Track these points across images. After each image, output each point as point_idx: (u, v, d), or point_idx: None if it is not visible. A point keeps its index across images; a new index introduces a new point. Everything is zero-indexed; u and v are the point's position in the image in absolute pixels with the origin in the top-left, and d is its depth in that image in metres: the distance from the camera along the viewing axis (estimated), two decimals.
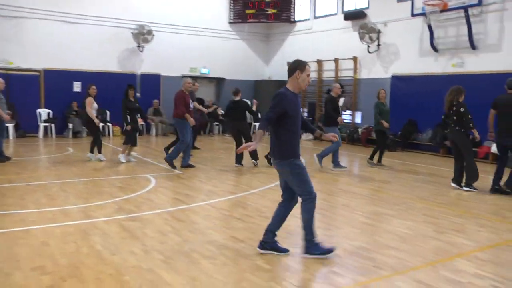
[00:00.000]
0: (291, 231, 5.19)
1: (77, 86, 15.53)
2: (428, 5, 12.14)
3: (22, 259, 4.17)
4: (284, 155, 4.34)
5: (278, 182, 8.05)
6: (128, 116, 10.06)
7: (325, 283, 3.79)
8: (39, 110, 14.78)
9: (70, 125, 15.02)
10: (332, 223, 5.75)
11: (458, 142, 7.88)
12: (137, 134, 10.51)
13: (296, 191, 4.41)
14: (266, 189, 7.72)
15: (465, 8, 11.75)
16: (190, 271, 3.98)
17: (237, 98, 10.32)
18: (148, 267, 4.04)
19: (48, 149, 12.33)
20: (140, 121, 15.76)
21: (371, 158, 10.43)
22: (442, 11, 12.06)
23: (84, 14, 15.51)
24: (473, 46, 12.08)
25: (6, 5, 14.27)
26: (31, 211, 5.88)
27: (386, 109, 10.39)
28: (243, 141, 9.91)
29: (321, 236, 5.09)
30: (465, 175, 7.95)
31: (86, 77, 15.64)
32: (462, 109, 7.78)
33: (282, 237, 4.77)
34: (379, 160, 10.46)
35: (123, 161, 10.09)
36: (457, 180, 8.04)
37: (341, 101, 15.25)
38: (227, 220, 5.71)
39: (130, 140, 10.15)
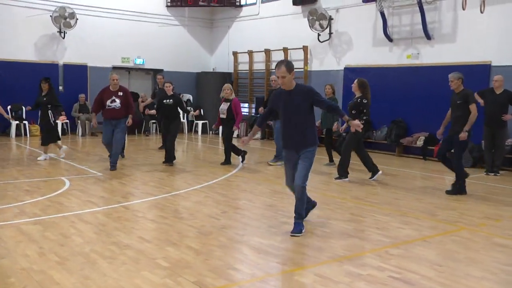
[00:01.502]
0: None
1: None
2: None
3: None
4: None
5: (205, 184, 8.68)
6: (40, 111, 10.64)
7: (221, 278, 4.36)
8: None
9: (14, 123, 15.06)
10: (249, 223, 6.34)
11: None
12: (51, 131, 11.07)
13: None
14: (192, 190, 8.26)
15: None
16: (84, 270, 4.46)
17: (170, 93, 10.79)
18: (40, 269, 4.48)
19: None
20: (62, 119, 16.07)
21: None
22: None
23: None
24: (428, 36, 13.05)
25: None
26: None
27: None
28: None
29: (232, 235, 5.69)
30: None
31: None
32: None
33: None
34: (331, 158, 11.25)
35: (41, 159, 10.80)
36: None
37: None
38: (139, 222, 6.20)
39: (46, 139, 10.75)
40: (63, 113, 16.45)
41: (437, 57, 12.96)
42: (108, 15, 17.59)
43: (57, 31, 16.48)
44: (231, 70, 19.14)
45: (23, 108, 16.03)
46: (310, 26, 15.44)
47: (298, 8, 16.45)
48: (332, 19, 15.34)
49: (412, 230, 6.18)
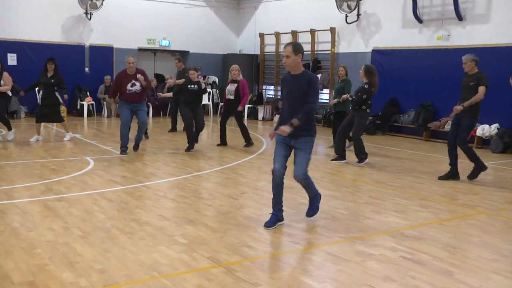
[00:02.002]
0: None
1: (12, 59, 16.06)
2: None
3: None
4: None
5: (226, 165, 8.96)
6: (41, 91, 11.14)
7: (235, 255, 4.62)
8: None
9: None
10: (267, 203, 6.57)
11: None
12: (53, 112, 11.37)
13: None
14: (213, 171, 8.56)
15: None
16: (105, 244, 4.79)
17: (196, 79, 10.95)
18: (64, 242, 4.83)
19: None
20: (88, 100, 16.56)
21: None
22: None
23: None
24: (459, 17, 12.96)
25: None
26: None
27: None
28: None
29: (249, 215, 5.95)
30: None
31: (24, 48, 16.25)
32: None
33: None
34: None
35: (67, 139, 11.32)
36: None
37: (318, 77, 16.11)
38: (159, 200, 6.53)
39: (40, 117, 11.26)
40: (89, 94, 16.98)
41: (469, 38, 12.88)
42: None
43: (84, 13, 16.91)
44: (258, 52, 19.31)
45: None
46: (338, 7, 15.49)
47: None
48: (361, 0, 15.33)
49: (430, 213, 6.34)
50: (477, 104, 8.10)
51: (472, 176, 8.43)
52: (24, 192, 6.75)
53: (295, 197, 6.92)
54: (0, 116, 11.04)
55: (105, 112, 17.31)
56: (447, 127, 12.90)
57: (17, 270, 4.11)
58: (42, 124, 12.07)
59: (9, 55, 16.05)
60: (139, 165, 8.95)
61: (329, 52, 16.44)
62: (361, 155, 9.66)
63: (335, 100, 11.28)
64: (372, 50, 15.23)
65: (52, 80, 11.00)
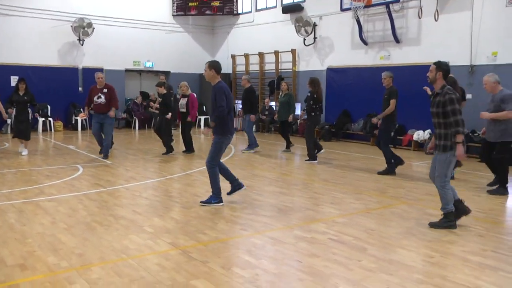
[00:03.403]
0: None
1: (15, 81, 16.21)
2: (353, 0, 13.56)
3: None
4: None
5: (196, 169, 9.31)
6: (14, 109, 11.09)
7: (192, 240, 5.02)
8: None
9: (9, 121, 15.79)
10: (226, 199, 6.99)
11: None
12: (27, 128, 11.06)
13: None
14: (184, 175, 8.94)
15: (387, 4, 13.22)
16: (85, 234, 5.16)
17: (164, 91, 11.40)
18: (51, 233, 5.19)
19: None
20: (81, 116, 16.76)
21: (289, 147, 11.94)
22: (366, 6, 13.50)
23: (22, 7, 16.27)
24: (397, 40, 13.59)
25: None
26: None
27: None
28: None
29: (209, 209, 6.36)
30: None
31: (25, 71, 16.43)
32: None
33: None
34: (288, 146, 12.25)
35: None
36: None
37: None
38: (135, 199, 6.89)
39: (17, 133, 11.06)
40: (82, 110, 17.19)
41: (405, 58, 13.51)
42: (121, 24, 18.27)
43: (77, 39, 17.18)
44: (230, 71, 19.75)
45: (48, 106, 16.81)
46: (297, 32, 16.02)
47: (287, 16, 17.03)
48: (316, 25, 15.90)
49: (361, 204, 6.81)
50: (391, 113, 8.76)
51: (386, 172, 9.11)
52: (20, 195, 7.06)
53: (249, 193, 7.34)
54: None
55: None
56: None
57: (11, 256, 4.47)
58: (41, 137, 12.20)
59: (12, 77, 16.25)
60: (121, 170, 9.29)
61: (291, 70, 16.96)
62: (310, 154, 10.55)
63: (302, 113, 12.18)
64: (327, 68, 15.78)
65: (25, 98, 10.86)
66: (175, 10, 19.60)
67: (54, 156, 10.97)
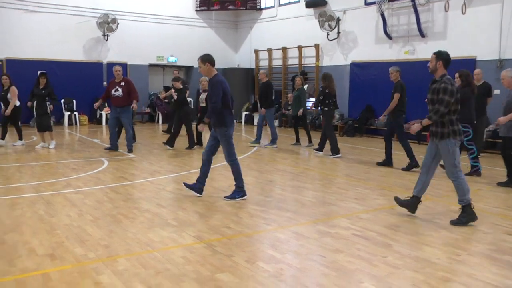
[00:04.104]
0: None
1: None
2: None
3: None
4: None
5: (220, 164, 9.36)
6: (35, 102, 11.20)
7: (216, 234, 5.06)
8: None
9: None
10: (250, 194, 7.01)
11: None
12: (46, 121, 11.22)
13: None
14: None
15: None
16: (110, 226, 5.24)
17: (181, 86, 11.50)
18: (78, 225, 5.29)
19: (12, 138, 13.42)
20: (106, 110, 16.97)
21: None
22: (391, 0, 13.32)
23: (48, 3, 16.54)
24: (422, 34, 13.39)
25: None
26: None
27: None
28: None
29: (233, 203, 6.39)
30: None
31: (51, 66, 16.76)
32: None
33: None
34: (298, 139, 12.45)
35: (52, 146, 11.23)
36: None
37: (305, 87, 16.57)
38: (159, 192, 6.97)
39: (38, 127, 11.24)
40: (106, 104, 17.44)
41: (431, 52, 12.95)
42: (145, 19, 18.44)
43: (102, 35, 17.41)
44: (253, 66, 19.75)
45: (74, 101, 17.10)
46: (320, 26, 15.91)
47: (310, 11, 16.92)
48: (340, 20, 15.77)
49: (385, 200, 6.75)
50: (396, 107, 8.95)
51: (409, 167, 9.08)
52: (49, 187, 7.21)
53: (273, 188, 7.35)
54: (15, 125, 11.39)
55: None
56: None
57: (41, 246, 4.57)
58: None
59: (39, 72, 16.44)
60: (145, 164, 9.40)
61: (314, 65, 16.87)
62: (333, 149, 10.62)
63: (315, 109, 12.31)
64: (351, 63, 15.65)
65: (43, 91, 11.06)
66: (198, 5, 19.67)
67: (80, 150, 11.17)
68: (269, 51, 18.76)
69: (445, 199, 6.86)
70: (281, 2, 18.51)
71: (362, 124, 15.10)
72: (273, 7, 18.86)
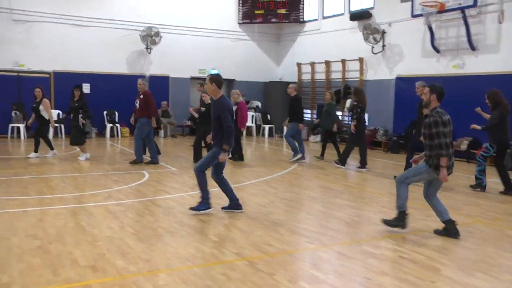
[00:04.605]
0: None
1: (86, 88, 17.15)
2: (426, 6, 13.18)
3: (19, 229, 5.60)
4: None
5: (261, 179, 9.38)
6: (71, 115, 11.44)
7: (257, 251, 5.04)
8: None
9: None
10: (291, 210, 6.98)
11: None
12: (77, 132, 11.37)
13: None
14: (248, 184, 9.01)
15: (462, 9, 12.74)
16: (151, 240, 5.32)
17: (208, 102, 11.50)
18: (119, 237, 5.39)
19: (56, 149, 13.88)
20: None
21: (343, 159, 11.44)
22: (439, 12, 13.08)
23: (93, 17, 17.17)
24: (472, 47, 13.05)
25: (18, 9, 16.08)
26: (32, 197, 7.37)
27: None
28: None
29: (274, 220, 6.36)
30: None
31: (95, 78, 17.39)
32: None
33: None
34: (323, 154, 12.49)
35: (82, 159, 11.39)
36: None
37: (348, 102, 16.44)
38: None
39: (76, 140, 11.39)
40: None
41: (482, 66, 12.93)
42: (188, 32, 18.82)
43: (145, 48, 17.89)
44: (295, 79, 19.75)
45: (116, 113, 17.58)
46: (364, 39, 15.79)
47: (355, 23, 16.82)
48: (385, 32, 15.60)
49: (433, 222, 6.53)
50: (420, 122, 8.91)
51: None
52: (91, 198, 7.41)
53: (315, 205, 7.28)
54: (44, 137, 11.67)
55: (161, 132, 18.11)
56: (463, 147, 13.00)
57: (83, 257, 4.69)
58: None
59: (84, 84, 17.13)
60: (186, 178, 9.51)
61: (358, 79, 16.73)
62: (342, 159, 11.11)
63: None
64: (396, 77, 15.42)
65: (76, 104, 11.28)
66: (241, 18, 19.94)
67: (121, 162, 11.42)
68: (312, 64, 18.75)
69: (499, 223, 6.61)
70: (325, 15, 18.50)
71: (408, 140, 14.76)
72: (316, 19, 18.88)
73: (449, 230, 5.78)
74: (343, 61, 17.31)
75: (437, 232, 5.90)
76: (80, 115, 11.34)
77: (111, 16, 17.46)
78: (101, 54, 17.39)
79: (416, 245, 5.44)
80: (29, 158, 11.40)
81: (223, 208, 6.76)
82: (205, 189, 6.58)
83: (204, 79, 19.55)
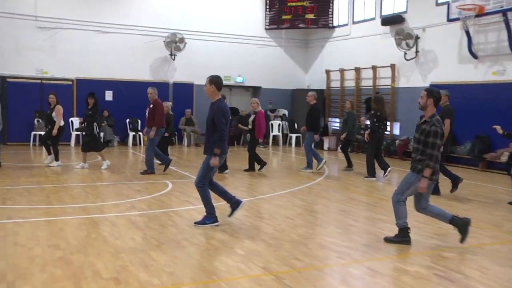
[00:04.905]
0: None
1: (109, 95, 17.53)
2: (463, 9, 13.00)
3: (42, 239, 5.70)
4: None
5: (288, 190, 9.36)
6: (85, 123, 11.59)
7: (285, 266, 5.01)
8: (71, 118, 16.77)
9: (101, 134, 16.94)
10: (320, 224, 6.93)
11: None
12: (92, 141, 11.52)
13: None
14: (275, 195, 8.99)
15: (504, 12, 12.51)
16: (175, 252, 5.34)
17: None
18: (142, 249, 5.44)
19: (78, 157, 14.15)
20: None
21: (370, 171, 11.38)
22: (478, 15, 12.87)
23: (117, 24, 17.51)
24: None
25: (42, 16, 16.51)
26: (54, 206, 7.50)
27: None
28: None
29: (302, 233, 6.32)
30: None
31: (118, 86, 17.69)
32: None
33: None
34: (349, 164, 12.61)
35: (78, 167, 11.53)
36: None
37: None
38: (225, 219, 7.02)
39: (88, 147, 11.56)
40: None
41: None
42: (213, 38, 19.01)
43: (169, 54, 18.13)
44: (324, 87, 19.70)
45: (139, 121, 17.80)
46: (397, 45, 15.66)
47: (387, 28, 16.72)
48: (419, 38, 15.45)
49: (471, 238, 6.37)
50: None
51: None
52: (113, 208, 7.50)
53: (345, 219, 7.21)
54: (53, 145, 11.74)
55: (185, 141, 18.25)
56: (503, 158, 12.70)
57: (106, 269, 4.74)
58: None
59: (106, 92, 17.49)
60: None
61: (390, 86, 16.58)
62: (369, 172, 11.17)
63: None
64: (430, 84, 15.19)
65: (90, 112, 11.46)
66: (267, 24, 20.03)
67: (142, 170, 11.52)
68: (341, 71, 18.68)
69: None
70: (355, 20, 18.45)
71: (443, 151, 14.50)
72: (346, 25, 18.84)
73: (460, 227, 5.93)
74: (374, 68, 17.20)
75: (461, 240, 5.92)
76: (95, 123, 11.52)
77: (134, 22, 17.78)
78: (124, 60, 17.68)
79: (454, 262, 5.32)
80: (50, 166, 11.61)
81: (229, 215, 6.74)
82: (209, 203, 6.54)
83: (229, 86, 19.97)
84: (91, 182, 9.85)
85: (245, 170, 11.83)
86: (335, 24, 19.42)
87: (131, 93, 17.74)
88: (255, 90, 20.83)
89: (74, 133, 16.79)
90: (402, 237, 5.99)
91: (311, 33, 20.57)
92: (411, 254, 5.61)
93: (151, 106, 11.14)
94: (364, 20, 17.98)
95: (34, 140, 16.35)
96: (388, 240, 6.04)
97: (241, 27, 19.54)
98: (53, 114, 11.68)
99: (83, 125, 11.88)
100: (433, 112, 5.81)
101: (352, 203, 8.51)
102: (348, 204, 8.37)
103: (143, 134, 11.73)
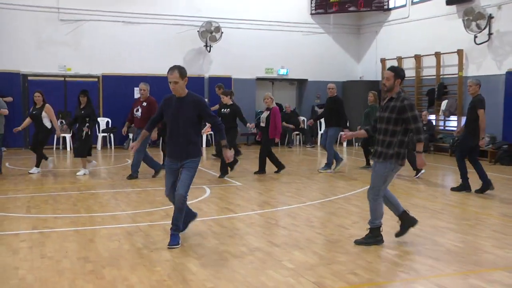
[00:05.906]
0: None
1: (137, 92, 17.78)
2: None
3: (70, 251, 5.87)
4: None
5: (341, 195, 9.31)
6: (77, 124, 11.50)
7: (340, 281, 4.98)
8: (98, 119, 17.14)
9: (130, 135, 17.29)
10: (387, 234, 6.82)
11: None
12: (81, 145, 11.37)
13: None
14: (326, 201, 8.96)
15: None
16: (217, 266, 5.39)
17: (230, 102, 11.76)
18: (180, 262, 5.52)
19: (105, 160, 14.55)
20: (206, 131, 17.68)
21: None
22: None
23: (146, 13, 17.87)
24: None
25: (65, 8, 17.02)
26: (82, 215, 7.71)
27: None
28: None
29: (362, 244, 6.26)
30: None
31: (148, 82, 17.83)
32: None
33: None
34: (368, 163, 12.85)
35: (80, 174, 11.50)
36: None
37: (444, 104, 16.01)
38: (271, 228, 7.07)
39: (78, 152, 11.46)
40: (208, 125, 18.16)
41: None
42: (252, 27, 19.12)
43: (204, 45, 18.36)
44: (379, 78, 19.48)
45: None
46: (465, 28, 15.32)
47: (453, 8, 16.39)
48: (493, 17, 15.05)
49: None
50: (473, 124, 9.43)
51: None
52: (146, 217, 7.64)
53: (410, 229, 7.09)
54: (37, 148, 11.63)
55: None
56: None
57: (141, 284, 4.83)
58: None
59: (135, 89, 17.75)
60: (253, 194, 9.60)
61: (457, 76, 16.23)
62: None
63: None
64: (507, 72, 14.80)
65: (82, 112, 11.28)
66: (313, 8, 19.98)
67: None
68: (399, 59, 18.42)
69: None
70: (414, 0, 18.15)
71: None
72: (404, 5, 18.60)
73: (405, 222, 6.39)
74: (438, 55, 16.89)
75: (397, 234, 6.41)
76: (87, 124, 11.29)
77: (165, 11, 18.09)
78: (155, 54, 17.98)
79: None
80: (30, 173, 11.61)
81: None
82: (182, 217, 6.22)
83: (271, 79, 20.00)
84: (121, 188, 10.07)
85: (255, 173, 11.86)
86: (391, 5, 19.20)
87: (162, 90, 17.87)
88: (300, 84, 20.82)
89: (100, 135, 17.21)
90: (375, 237, 6.20)
91: (363, 17, 20.39)
92: (489, 269, 5.46)
93: (144, 104, 11.10)
94: (425, 0, 17.65)
95: (58, 143, 16.84)
96: (358, 242, 6.19)
97: (283, 13, 19.58)
98: (43, 114, 11.51)
99: (72, 126, 11.89)
100: (399, 89, 6.08)
101: (415, 210, 8.36)
102: (411, 211, 8.22)
103: (124, 133, 11.89)
